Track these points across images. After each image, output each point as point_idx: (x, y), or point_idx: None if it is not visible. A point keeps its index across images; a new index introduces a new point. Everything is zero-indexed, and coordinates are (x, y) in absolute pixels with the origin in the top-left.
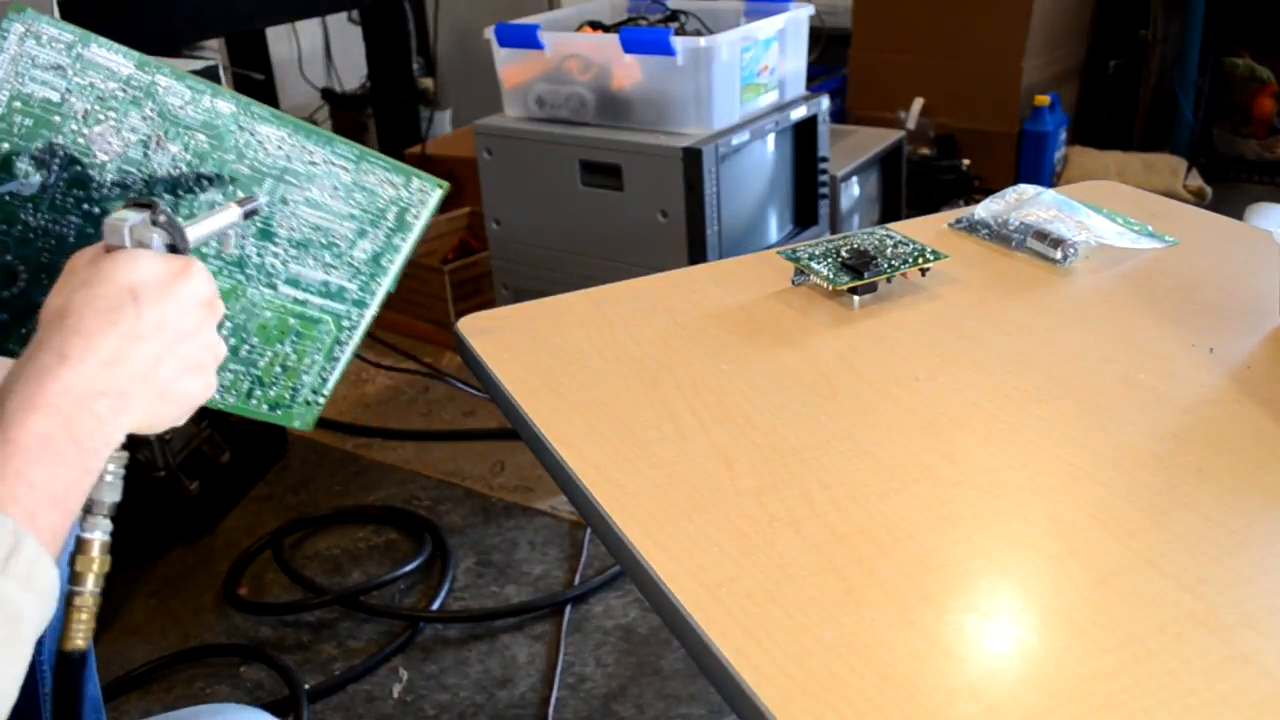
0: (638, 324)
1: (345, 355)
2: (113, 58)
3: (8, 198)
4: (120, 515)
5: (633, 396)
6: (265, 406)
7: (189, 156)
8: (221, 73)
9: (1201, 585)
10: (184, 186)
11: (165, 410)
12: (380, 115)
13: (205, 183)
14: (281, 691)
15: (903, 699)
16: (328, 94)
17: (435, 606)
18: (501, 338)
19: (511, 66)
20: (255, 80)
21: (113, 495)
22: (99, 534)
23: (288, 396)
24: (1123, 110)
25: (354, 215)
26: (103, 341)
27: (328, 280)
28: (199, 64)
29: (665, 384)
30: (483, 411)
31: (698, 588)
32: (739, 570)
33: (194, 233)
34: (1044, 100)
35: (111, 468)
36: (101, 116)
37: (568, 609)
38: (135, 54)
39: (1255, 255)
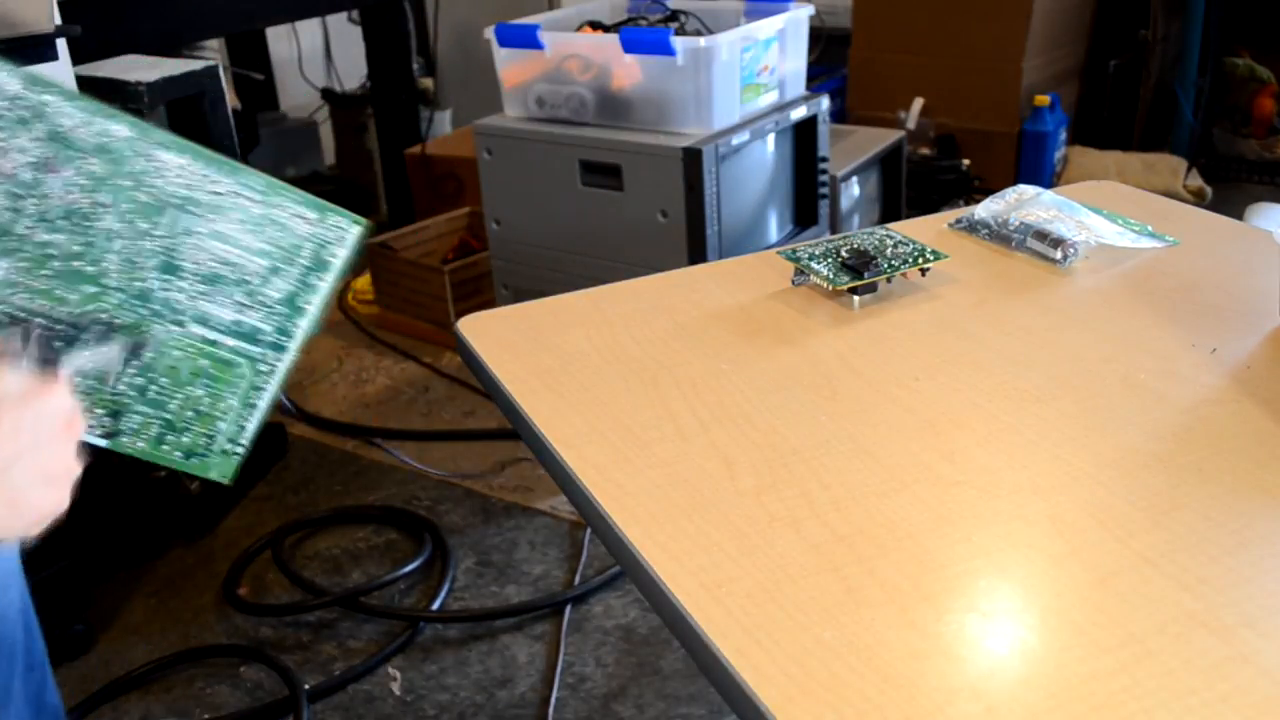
0: (638, 324)
1: (263, 401)
2: None
3: None
4: (121, 515)
5: (633, 396)
6: (179, 454)
7: (82, 180)
8: (221, 73)
9: (1201, 585)
10: (81, 329)
11: (13, 520)
12: (380, 115)
13: (101, 330)
14: (281, 692)
15: (903, 699)
16: (328, 94)
17: (435, 606)
18: (501, 338)
19: (511, 66)
20: (255, 80)
21: None
22: None
23: (203, 444)
24: (1123, 110)
25: (266, 251)
26: None
27: (240, 320)
28: (199, 64)
29: (665, 384)
30: (483, 411)
31: (698, 588)
32: (739, 570)
33: (71, 361)
34: (1044, 100)
35: None
36: None
37: (568, 609)
38: (21, 71)
39: (1255, 255)
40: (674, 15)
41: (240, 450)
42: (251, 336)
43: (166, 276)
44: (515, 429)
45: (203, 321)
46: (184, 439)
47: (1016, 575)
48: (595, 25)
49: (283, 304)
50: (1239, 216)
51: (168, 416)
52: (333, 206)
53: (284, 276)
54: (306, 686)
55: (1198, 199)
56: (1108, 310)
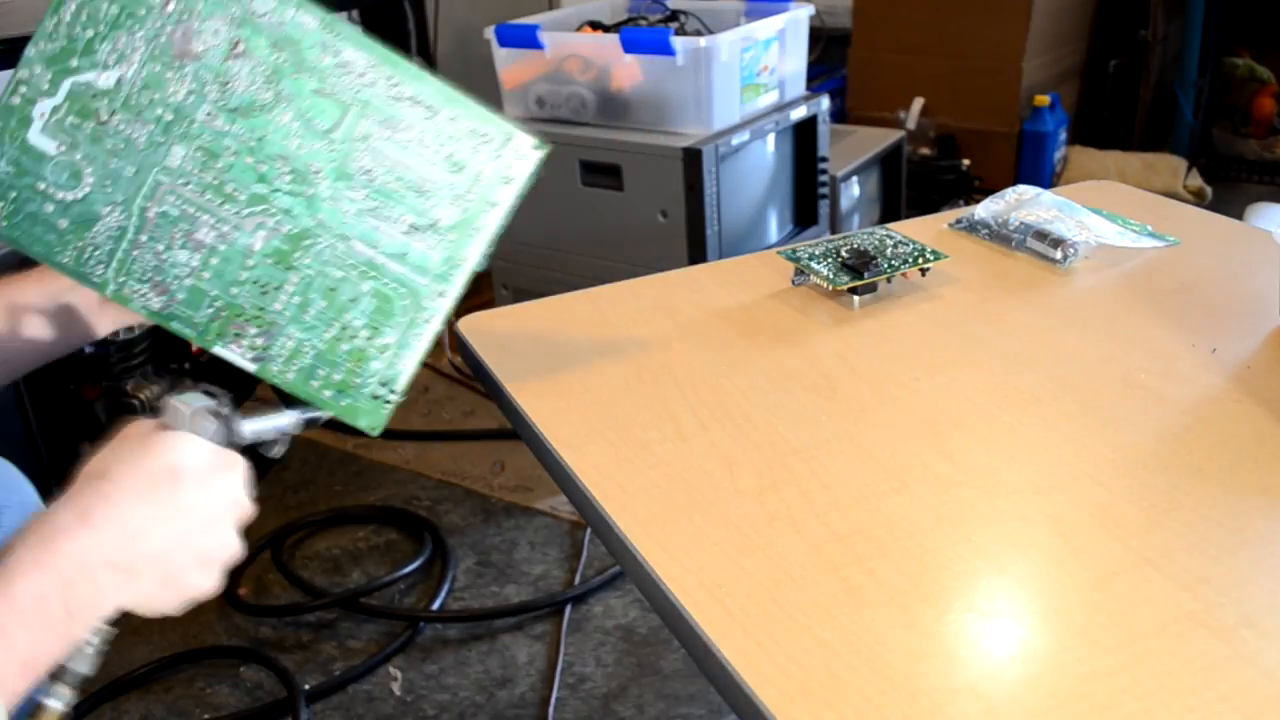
0: (638, 324)
1: (423, 343)
2: None
3: (84, 88)
4: None
5: (633, 396)
6: (330, 391)
7: (266, 70)
8: None
9: (1201, 585)
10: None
11: (166, 596)
12: None
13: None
14: (281, 692)
15: (903, 699)
16: None
17: (435, 606)
18: (501, 338)
19: (511, 67)
20: None
21: (84, 667)
22: (59, 704)
23: (355, 383)
24: (1123, 110)
25: (441, 169)
26: (130, 513)
27: (408, 244)
28: None
29: (665, 384)
30: (483, 411)
31: (698, 588)
32: (739, 570)
33: (250, 428)
34: (1044, 100)
35: (94, 640)
36: (185, 15)
37: (568, 609)
38: None
39: (1255, 255)
40: (674, 15)
41: (393, 398)
42: (419, 266)
43: (337, 184)
44: (515, 429)
45: (370, 240)
46: (335, 375)
47: (1016, 575)
48: (595, 25)
49: (454, 230)
50: (1239, 216)
51: (321, 346)
52: (515, 126)
53: (457, 199)
54: (306, 687)
55: (1198, 199)
56: (1108, 310)
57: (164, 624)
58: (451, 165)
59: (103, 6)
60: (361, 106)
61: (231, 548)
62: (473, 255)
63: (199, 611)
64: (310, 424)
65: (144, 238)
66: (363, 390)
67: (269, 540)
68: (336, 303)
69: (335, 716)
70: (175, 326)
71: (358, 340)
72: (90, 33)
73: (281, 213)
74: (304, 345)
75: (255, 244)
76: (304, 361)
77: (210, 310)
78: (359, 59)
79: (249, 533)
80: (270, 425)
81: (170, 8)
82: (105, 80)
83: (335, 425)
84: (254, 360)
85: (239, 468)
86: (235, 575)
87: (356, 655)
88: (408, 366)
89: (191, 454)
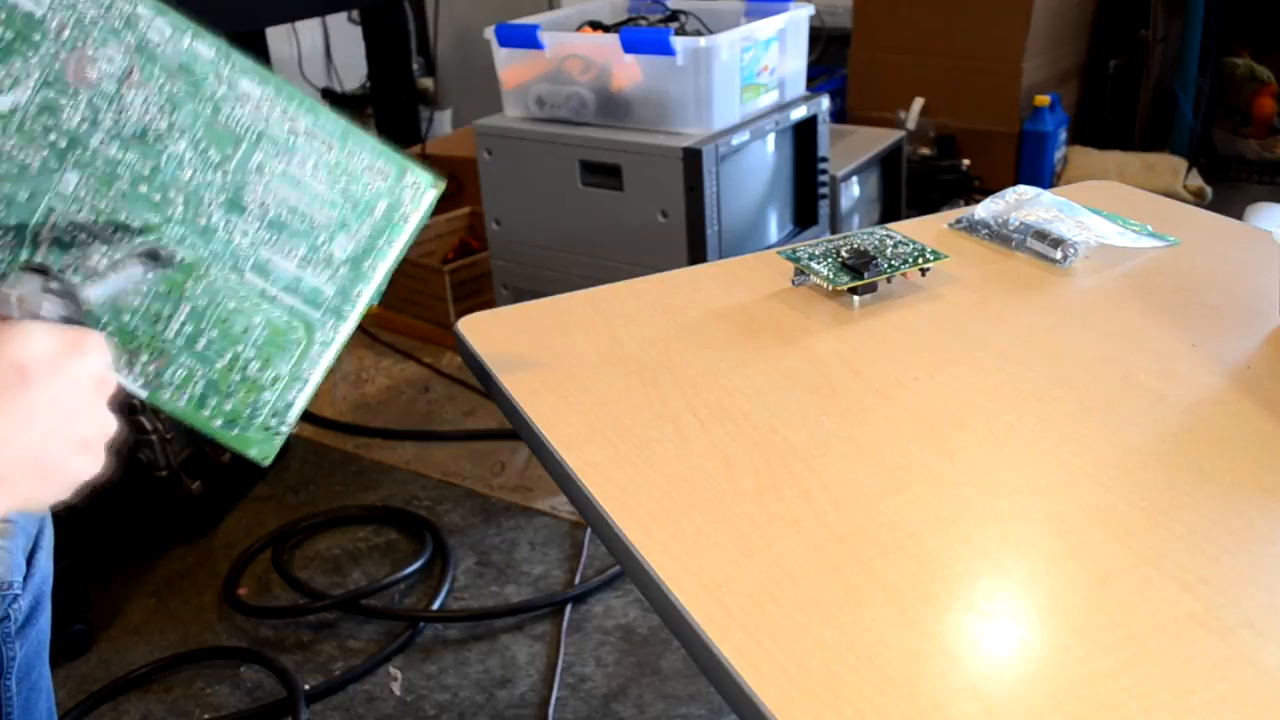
0: (638, 324)
1: (315, 376)
2: None
3: None
4: (121, 515)
5: (633, 396)
6: (220, 421)
7: (161, 100)
8: None
9: (1201, 585)
10: (94, 234)
11: (46, 491)
12: (380, 115)
13: (117, 233)
14: (281, 692)
15: (903, 699)
16: (328, 94)
17: (435, 606)
18: (501, 338)
19: (511, 66)
20: None
21: None
22: None
23: (245, 413)
24: (1123, 110)
25: (336, 203)
26: None
27: (301, 277)
28: None
29: (665, 384)
30: (483, 411)
31: (698, 588)
32: (739, 570)
33: (97, 291)
34: (1044, 100)
35: None
36: (80, 42)
37: (568, 609)
38: None
39: (1255, 255)
40: (674, 15)
41: (284, 429)
42: (311, 298)
43: (230, 215)
44: (515, 429)
45: (262, 272)
46: (227, 404)
47: (1016, 575)
48: (595, 25)
49: (347, 264)
50: (1239, 216)
51: (213, 376)
52: (412, 161)
53: (351, 233)
54: (306, 687)
55: (1198, 199)
56: (1108, 310)
57: (164, 624)
58: (347, 199)
59: None
60: (256, 138)
61: (107, 426)
62: (367, 290)
63: (199, 611)
64: (152, 263)
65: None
66: (254, 421)
67: (269, 540)
68: (229, 333)
69: (335, 716)
70: None
71: (249, 371)
72: None
73: (174, 242)
74: (195, 374)
75: (147, 273)
76: (195, 390)
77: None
78: (255, 90)
79: (250, 532)
80: (120, 281)
81: (65, 34)
82: (1, 104)
83: (335, 425)
84: (145, 387)
85: (93, 342)
86: (235, 575)
87: (356, 655)
88: (300, 398)
89: (35, 343)
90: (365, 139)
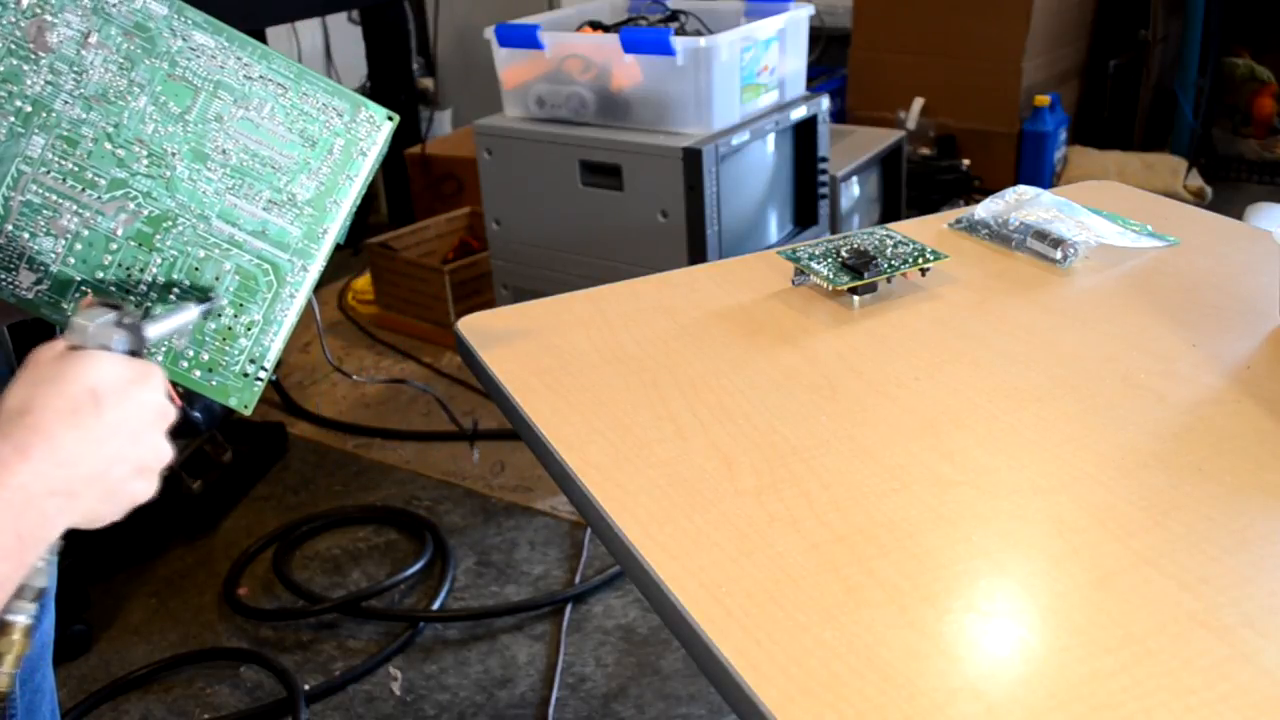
0: (638, 324)
1: (288, 319)
2: None
3: None
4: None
5: (633, 396)
6: (198, 372)
7: (119, 59)
8: None
9: (1201, 585)
10: (161, 290)
11: (108, 509)
12: None
13: (182, 292)
14: (281, 692)
15: (903, 699)
16: None
17: (435, 606)
18: (501, 338)
19: (511, 66)
20: None
21: (41, 581)
22: (23, 618)
23: (222, 361)
24: (1123, 110)
25: (294, 144)
26: (60, 441)
27: (267, 220)
28: None
29: (665, 384)
30: (483, 411)
31: (698, 588)
32: (739, 570)
33: (154, 331)
34: (1044, 100)
35: (47, 557)
36: (39, 9)
37: (568, 609)
38: None
39: (1255, 255)
40: (674, 15)
41: (262, 376)
42: (279, 240)
43: (194, 164)
44: (515, 429)
45: (229, 219)
46: (204, 354)
47: (1016, 575)
48: (595, 25)
49: (311, 204)
50: (1239, 216)
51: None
52: (363, 99)
53: (312, 173)
54: (306, 687)
55: (1198, 199)
56: (1108, 310)
57: (164, 624)
58: (305, 140)
59: None
60: (214, 88)
61: (163, 453)
62: (333, 228)
63: (199, 611)
64: (208, 314)
65: (8, 227)
66: (231, 368)
67: (269, 540)
68: (200, 282)
69: (335, 717)
70: (45, 313)
71: (223, 318)
72: None
73: (141, 196)
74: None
75: (117, 228)
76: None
77: (78, 296)
78: (209, 42)
79: (250, 532)
80: (175, 323)
81: (24, 3)
82: None
83: (336, 425)
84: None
85: (156, 375)
86: (235, 575)
87: (356, 655)
88: (275, 343)
89: (105, 371)
90: (318, 80)
